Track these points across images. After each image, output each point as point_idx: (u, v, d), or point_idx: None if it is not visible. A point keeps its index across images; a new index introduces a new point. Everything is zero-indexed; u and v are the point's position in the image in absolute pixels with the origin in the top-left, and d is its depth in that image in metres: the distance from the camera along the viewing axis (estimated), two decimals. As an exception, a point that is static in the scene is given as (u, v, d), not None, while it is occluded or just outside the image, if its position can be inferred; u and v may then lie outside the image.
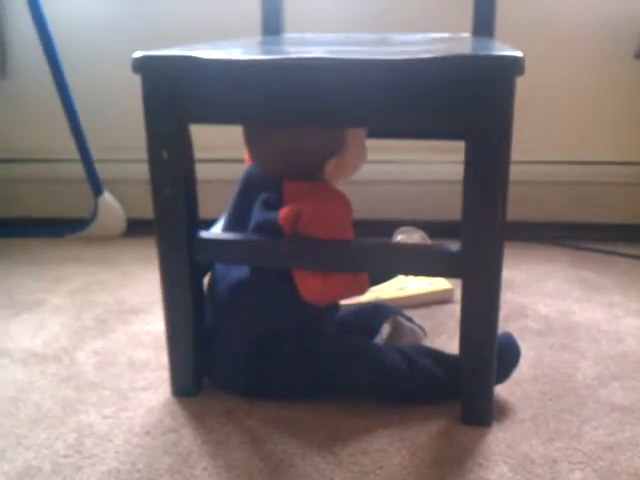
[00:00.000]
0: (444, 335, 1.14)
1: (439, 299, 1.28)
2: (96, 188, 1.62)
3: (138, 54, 0.83)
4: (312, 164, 0.92)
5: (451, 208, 1.48)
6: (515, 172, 0.81)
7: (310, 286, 0.90)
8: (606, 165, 1.61)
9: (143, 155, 0.87)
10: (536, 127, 1.55)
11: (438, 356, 0.96)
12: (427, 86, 0.78)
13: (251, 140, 0.95)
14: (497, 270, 0.83)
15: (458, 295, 1.26)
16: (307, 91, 0.81)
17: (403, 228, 1.09)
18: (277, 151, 0.92)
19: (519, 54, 0.76)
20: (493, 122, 0.78)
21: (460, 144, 1.33)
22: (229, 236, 0.93)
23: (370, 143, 0.99)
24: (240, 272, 0.94)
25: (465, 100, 0.78)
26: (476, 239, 0.82)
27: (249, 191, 0.97)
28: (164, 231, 0.90)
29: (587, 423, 0.91)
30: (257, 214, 0.92)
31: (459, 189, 1.39)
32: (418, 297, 1.26)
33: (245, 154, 1.06)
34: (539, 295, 1.32)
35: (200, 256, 0.91)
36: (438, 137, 1.23)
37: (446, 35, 1.23)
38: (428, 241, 1.11)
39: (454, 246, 0.85)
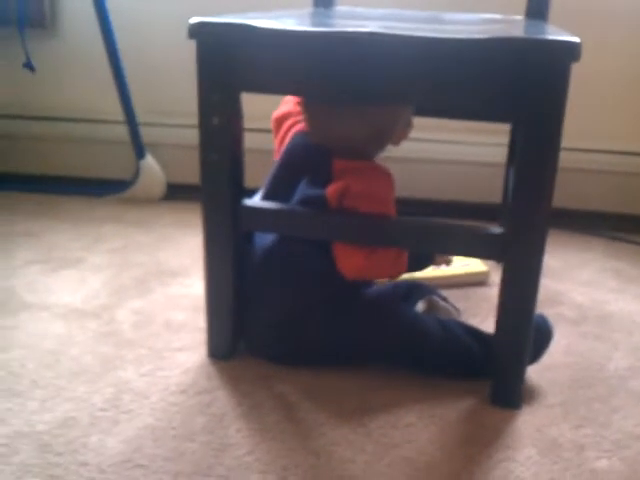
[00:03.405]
0: (478, 317, 1.14)
1: (474, 281, 1.28)
2: (139, 151, 1.64)
3: (195, 20, 0.83)
4: (389, 140, 0.95)
5: (489, 190, 1.49)
6: (560, 159, 0.81)
7: (351, 261, 0.91)
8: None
9: (187, 120, 0.88)
10: (582, 115, 1.53)
11: (474, 331, 0.97)
12: (482, 67, 0.78)
13: (321, 112, 0.94)
14: (539, 255, 0.83)
15: (493, 278, 1.27)
16: (360, 66, 0.81)
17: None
18: (366, 128, 0.92)
19: (576, 39, 0.75)
20: (547, 107, 0.77)
21: (503, 126, 1.33)
22: (274, 205, 0.93)
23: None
24: (276, 241, 0.95)
25: (519, 83, 0.77)
26: (521, 223, 0.83)
27: (292, 165, 0.98)
28: (209, 197, 0.91)
29: (616, 412, 0.91)
30: (303, 190, 0.93)
31: (499, 171, 1.39)
32: (454, 278, 1.27)
33: (273, 126, 1.07)
34: (574, 283, 1.32)
35: (244, 223, 0.93)
36: (485, 119, 1.22)
37: (498, 17, 1.22)
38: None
39: (497, 228, 0.86)
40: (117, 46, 1.55)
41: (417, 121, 1.01)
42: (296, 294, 0.95)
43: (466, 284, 1.28)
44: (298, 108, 1.01)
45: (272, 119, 1.07)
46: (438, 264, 1.08)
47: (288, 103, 1.06)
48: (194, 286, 1.21)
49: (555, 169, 0.80)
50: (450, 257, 1.12)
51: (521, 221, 0.82)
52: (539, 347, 0.96)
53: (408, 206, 1.07)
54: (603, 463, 0.82)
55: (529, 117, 0.79)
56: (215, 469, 0.78)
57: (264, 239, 0.97)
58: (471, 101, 0.84)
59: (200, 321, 1.04)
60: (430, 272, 1.25)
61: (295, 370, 0.97)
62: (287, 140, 1.01)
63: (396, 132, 0.96)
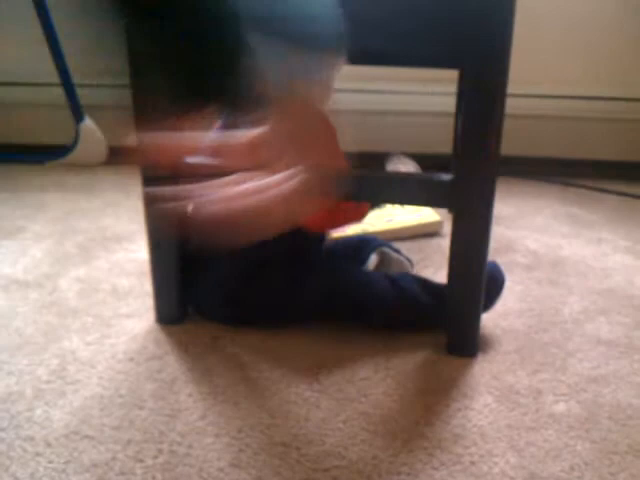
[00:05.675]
0: (430, 268, 1.13)
1: (427, 231, 1.27)
2: (77, 114, 1.57)
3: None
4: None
5: (441, 140, 1.47)
6: (507, 105, 0.80)
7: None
8: (600, 101, 1.59)
9: (126, 80, 0.83)
10: (531, 60, 1.51)
11: (426, 284, 0.95)
12: (425, 10, 0.76)
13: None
14: (489, 202, 0.82)
15: (446, 228, 1.26)
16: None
17: (396, 157, 1.07)
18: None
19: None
20: (492, 49, 0.75)
21: (452, 74, 1.30)
22: (217, 161, 0.90)
23: (358, 71, 0.96)
24: None
25: (463, 27, 0.75)
26: (470, 169, 0.80)
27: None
28: (148, 155, 0.87)
29: (572, 356, 0.91)
30: None
31: (449, 121, 1.37)
32: (406, 229, 1.25)
33: None
34: (528, 230, 1.32)
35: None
36: (432, 65, 1.19)
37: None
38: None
39: (445, 176, 0.84)
40: (47, 5, 1.47)
41: (364, 72, 0.98)
42: (248, 252, 0.92)
43: (419, 235, 1.26)
44: None
45: None
46: None
47: None
48: (140, 251, 1.18)
49: (502, 114, 0.78)
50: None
51: (470, 168, 0.80)
52: (492, 295, 0.94)
53: (357, 159, 1.04)
54: (561, 407, 0.81)
55: (474, 60, 0.76)
56: (167, 435, 0.75)
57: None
58: (418, 46, 0.81)
59: (147, 286, 1.00)
60: (383, 225, 1.23)
61: (246, 332, 0.94)
62: None
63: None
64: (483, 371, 0.87)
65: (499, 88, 0.77)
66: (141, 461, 0.72)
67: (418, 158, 1.56)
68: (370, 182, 0.87)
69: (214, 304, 0.95)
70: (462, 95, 1.22)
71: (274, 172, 0.57)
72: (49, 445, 0.74)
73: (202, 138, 0.56)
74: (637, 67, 1.58)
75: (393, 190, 0.87)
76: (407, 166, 1.08)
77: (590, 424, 0.78)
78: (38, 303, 1.02)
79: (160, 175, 0.56)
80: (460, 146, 0.81)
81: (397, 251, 1.07)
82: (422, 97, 1.57)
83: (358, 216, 0.93)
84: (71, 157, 1.61)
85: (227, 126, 0.94)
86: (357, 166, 0.90)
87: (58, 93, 1.56)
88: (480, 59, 0.76)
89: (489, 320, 0.96)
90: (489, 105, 0.78)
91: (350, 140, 0.98)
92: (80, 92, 1.57)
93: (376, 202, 1.00)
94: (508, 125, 0.81)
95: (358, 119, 1.53)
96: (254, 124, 0.85)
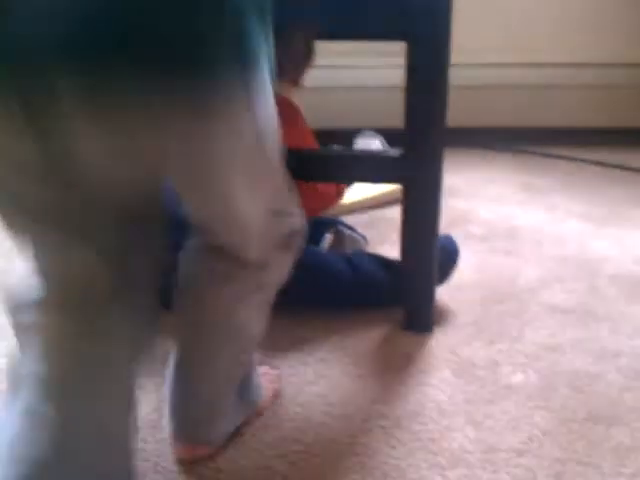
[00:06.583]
0: (386, 244, 1.11)
1: (391, 200, 1.26)
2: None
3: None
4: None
5: (395, 115, 1.45)
6: (457, 76, 0.78)
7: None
8: (551, 67, 1.58)
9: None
10: (484, 29, 1.50)
11: (381, 262, 0.94)
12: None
13: None
14: (438, 173, 0.80)
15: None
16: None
17: (364, 132, 1.07)
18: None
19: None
20: (431, 23, 0.74)
21: (400, 47, 1.28)
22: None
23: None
24: None
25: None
26: (417, 142, 0.79)
27: None
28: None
29: (529, 325, 0.91)
30: None
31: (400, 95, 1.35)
32: (371, 200, 1.26)
33: None
34: (481, 200, 1.31)
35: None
36: (377, 38, 1.17)
37: None
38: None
39: (395, 151, 0.82)
40: None
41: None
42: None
43: (385, 203, 1.26)
44: None
45: None
46: None
47: None
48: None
49: (446, 84, 0.77)
50: None
51: (417, 140, 0.79)
52: (446, 268, 0.94)
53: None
54: (518, 377, 0.81)
55: (416, 33, 0.75)
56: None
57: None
58: (360, 20, 0.79)
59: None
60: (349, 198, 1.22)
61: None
62: None
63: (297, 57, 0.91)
64: (440, 345, 0.86)
65: (442, 59, 0.76)
66: (92, 458, 0.69)
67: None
68: (320, 160, 0.85)
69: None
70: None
71: None
72: None
73: None
74: (583, 32, 1.57)
75: (343, 168, 0.85)
76: (374, 141, 1.08)
77: (548, 393, 0.78)
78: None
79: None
80: (406, 119, 0.79)
81: (351, 228, 1.06)
82: (373, 71, 1.55)
83: (334, 199, 0.95)
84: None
85: None
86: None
87: None
88: (422, 31, 0.75)
89: (444, 293, 0.95)
90: (433, 76, 0.77)
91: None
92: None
93: (328, 180, 1.00)
94: (460, 95, 0.79)
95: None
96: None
